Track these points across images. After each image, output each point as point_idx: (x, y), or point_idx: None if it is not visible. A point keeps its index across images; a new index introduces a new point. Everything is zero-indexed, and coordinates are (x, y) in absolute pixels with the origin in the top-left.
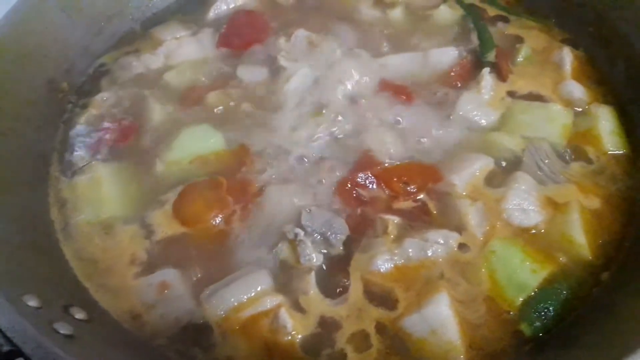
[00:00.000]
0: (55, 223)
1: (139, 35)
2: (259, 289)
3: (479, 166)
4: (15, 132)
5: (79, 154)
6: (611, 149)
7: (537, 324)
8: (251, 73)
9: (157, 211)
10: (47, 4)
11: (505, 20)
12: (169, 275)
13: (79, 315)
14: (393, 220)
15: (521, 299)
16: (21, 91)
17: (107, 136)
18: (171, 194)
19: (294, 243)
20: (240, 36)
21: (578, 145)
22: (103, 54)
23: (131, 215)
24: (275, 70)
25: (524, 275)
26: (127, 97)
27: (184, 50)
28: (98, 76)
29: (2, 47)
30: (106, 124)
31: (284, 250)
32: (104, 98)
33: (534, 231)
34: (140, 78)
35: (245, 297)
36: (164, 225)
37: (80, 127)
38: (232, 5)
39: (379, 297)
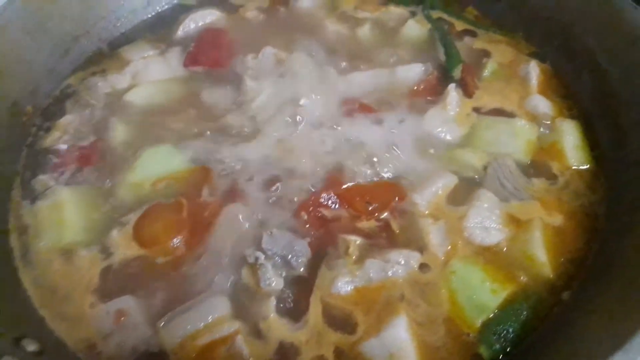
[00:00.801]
0: (15, 250)
1: (107, 55)
2: (216, 315)
3: (442, 184)
4: None
5: (42, 178)
6: (575, 164)
7: (496, 346)
8: (216, 94)
9: (118, 233)
10: (11, 26)
11: (473, 34)
12: (126, 302)
13: (31, 347)
14: (355, 240)
15: (481, 321)
16: None
17: (71, 159)
18: (133, 215)
19: (254, 267)
20: (207, 55)
21: (542, 160)
22: (69, 74)
23: (92, 239)
24: (240, 91)
25: (484, 295)
26: (91, 118)
27: (150, 70)
28: (64, 98)
29: None
30: (70, 147)
31: (244, 274)
32: (69, 121)
33: (495, 250)
34: (106, 99)
35: (202, 324)
36: (124, 247)
37: (43, 151)
38: (200, 24)
39: (339, 320)
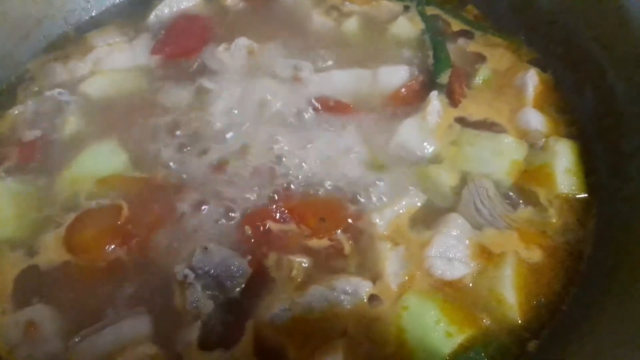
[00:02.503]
0: None
1: (72, 40)
2: (134, 337)
3: (406, 203)
4: None
5: None
6: (565, 190)
7: None
8: (176, 92)
9: (49, 235)
10: None
11: (469, 36)
12: (39, 313)
13: None
14: (300, 262)
15: None
16: None
17: (14, 152)
18: (68, 216)
19: (183, 286)
20: (177, 43)
21: (527, 184)
22: (30, 59)
23: (22, 239)
24: (201, 90)
25: (436, 338)
26: (42, 108)
27: (114, 58)
28: (19, 84)
29: None
30: (15, 139)
31: (171, 293)
32: (18, 109)
33: (458, 285)
34: (61, 86)
35: (116, 346)
36: (51, 251)
37: None
38: (175, 9)
39: (269, 353)
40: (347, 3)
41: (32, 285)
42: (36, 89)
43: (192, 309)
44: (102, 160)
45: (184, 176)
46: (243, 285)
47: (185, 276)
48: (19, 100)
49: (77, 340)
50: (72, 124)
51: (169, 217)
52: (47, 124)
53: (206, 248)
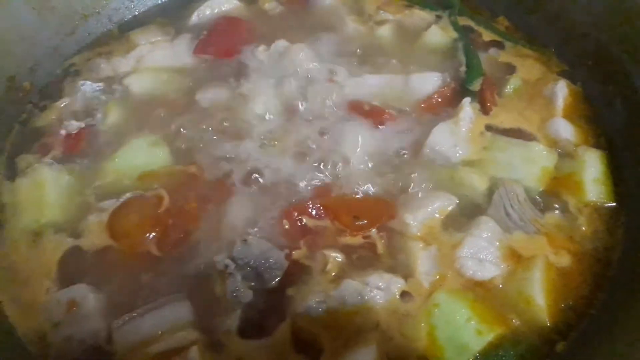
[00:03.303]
0: None
1: (115, 37)
2: (176, 322)
3: (439, 206)
4: None
5: (27, 156)
6: (594, 199)
7: None
8: (216, 89)
9: (93, 220)
10: (14, 1)
11: (500, 46)
12: (80, 292)
13: None
14: (335, 257)
15: None
16: None
17: (60, 142)
18: (111, 202)
19: (223, 275)
20: (219, 43)
21: (557, 192)
22: (74, 54)
23: (66, 223)
24: (241, 88)
25: (467, 335)
26: (88, 101)
27: (156, 56)
28: (65, 77)
29: None
30: (61, 130)
31: (212, 282)
32: (65, 103)
33: (488, 286)
34: (106, 82)
35: (159, 330)
36: (95, 236)
37: (34, 130)
38: (216, 11)
39: (304, 343)
40: (381, 11)
41: (75, 267)
42: (81, 82)
43: (232, 298)
44: (143, 154)
45: (223, 170)
46: (280, 277)
47: (226, 266)
48: (64, 93)
49: (120, 322)
50: (114, 117)
51: (209, 209)
52: (90, 116)
53: (246, 240)
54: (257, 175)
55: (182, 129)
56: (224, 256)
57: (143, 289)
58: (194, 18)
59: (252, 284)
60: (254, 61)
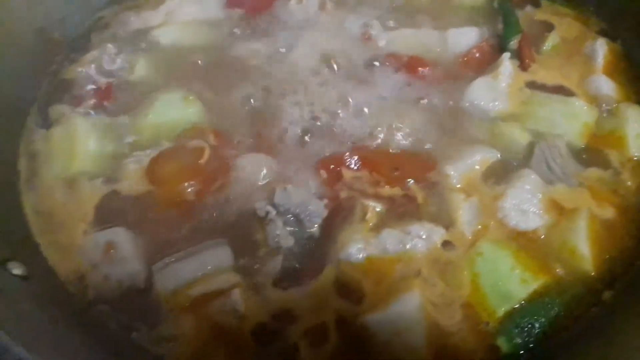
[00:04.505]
0: (22, 173)
1: None
2: (217, 265)
3: (480, 158)
4: None
5: (59, 107)
6: (637, 154)
7: (518, 340)
8: (247, 43)
9: (132, 166)
10: None
11: (536, 4)
12: (118, 235)
13: (17, 271)
14: (374, 207)
15: (503, 310)
16: (7, 37)
17: (91, 93)
18: (149, 152)
19: (264, 222)
20: None
21: (598, 147)
22: (103, 7)
23: (100, 172)
24: (274, 43)
25: (511, 283)
26: (119, 54)
27: (186, 9)
28: (94, 30)
29: None
30: (94, 79)
31: (253, 228)
32: (95, 56)
33: (531, 236)
34: (136, 35)
35: (200, 273)
36: (134, 181)
37: (65, 82)
38: None
39: (346, 288)
40: None
41: (112, 211)
42: (110, 35)
43: (274, 244)
44: (176, 110)
45: (259, 125)
46: (319, 224)
47: (267, 212)
48: (93, 46)
49: (161, 265)
50: (143, 70)
51: (249, 160)
52: (120, 69)
53: (286, 188)
54: (295, 129)
55: (215, 84)
56: (264, 203)
57: (182, 234)
58: None
59: (293, 229)
60: (287, 14)
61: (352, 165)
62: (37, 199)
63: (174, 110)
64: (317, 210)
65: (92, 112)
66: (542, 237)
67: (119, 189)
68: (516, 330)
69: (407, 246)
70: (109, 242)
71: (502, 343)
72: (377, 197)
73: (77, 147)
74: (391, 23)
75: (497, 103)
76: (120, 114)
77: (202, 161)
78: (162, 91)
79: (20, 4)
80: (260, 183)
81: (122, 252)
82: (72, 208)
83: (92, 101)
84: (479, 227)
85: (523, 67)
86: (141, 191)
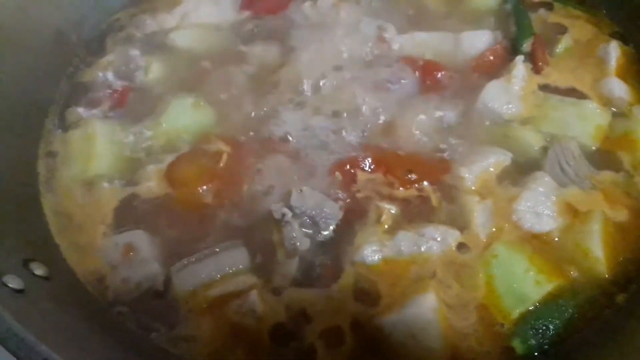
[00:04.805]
0: (40, 175)
1: None
2: (235, 267)
3: (494, 161)
4: (15, 80)
5: (77, 109)
6: None
7: (532, 341)
8: (262, 47)
9: (150, 168)
10: None
11: (549, 7)
12: (137, 237)
13: (39, 271)
14: (389, 209)
15: (518, 312)
16: (25, 39)
17: (107, 96)
18: (167, 155)
19: (280, 224)
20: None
21: (611, 149)
22: (119, 9)
23: (117, 175)
24: (288, 45)
25: (526, 285)
26: (135, 57)
27: (201, 12)
28: (110, 32)
29: None
30: (109, 83)
31: (269, 230)
32: (110, 58)
33: (545, 238)
34: (151, 38)
35: (218, 274)
36: (153, 183)
37: (82, 84)
38: None
39: (361, 290)
40: None
41: (130, 214)
42: (126, 37)
43: (290, 245)
44: (188, 115)
45: (273, 129)
46: (335, 226)
47: (283, 214)
48: (109, 49)
49: (179, 266)
50: (159, 73)
51: (265, 164)
52: (136, 72)
53: (301, 190)
54: (308, 132)
55: (229, 87)
56: (280, 205)
57: (200, 236)
58: None
59: (309, 232)
60: (301, 17)
61: (367, 168)
62: (56, 200)
63: (186, 116)
64: (332, 212)
65: (108, 115)
66: (556, 239)
67: (137, 192)
68: (531, 332)
69: (422, 248)
70: (128, 244)
71: (517, 344)
72: (392, 199)
73: (94, 150)
74: (405, 26)
75: (510, 106)
76: (136, 118)
77: (220, 165)
78: (175, 96)
79: (39, 7)
80: (276, 185)
81: (141, 254)
82: (91, 210)
83: (108, 104)
84: (494, 229)
85: (536, 69)
86: (159, 194)
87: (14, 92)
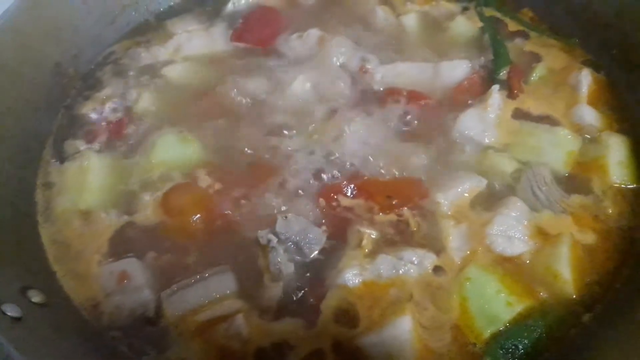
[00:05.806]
0: (38, 205)
1: (153, 27)
2: (221, 292)
3: (469, 186)
4: (14, 112)
5: (73, 142)
6: (617, 181)
7: None
8: (251, 79)
9: (145, 200)
10: None
11: (525, 36)
12: (131, 265)
13: (36, 298)
14: (370, 233)
15: (489, 332)
16: (25, 72)
17: (103, 130)
18: (160, 186)
19: (266, 249)
20: (255, 32)
21: (582, 174)
22: (114, 42)
23: (113, 205)
24: (276, 77)
25: (497, 306)
26: (130, 89)
27: (193, 44)
28: (106, 65)
29: (14, 27)
30: (104, 119)
31: (255, 255)
32: (107, 94)
33: (517, 261)
34: (146, 70)
35: (206, 300)
36: (147, 213)
37: (79, 117)
38: (251, 0)
39: (342, 312)
40: (408, 3)
41: (126, 241)
42: (122, 70)
43: (275, 270)
44: (175, 150)
45: (261, 158)
46: (318, 252)
47: (269, 240)
48: (105, 83)
49: (169, 292)
50: (153, 107)
51: (252, 192)
52: (131, 106)
53: (286, 217)
54: (293, 162)
55: (219, 119)
56: (266, 232)
57: (190, 262)
58: (230, 7)
59: (293, 257)
60: (287, 49)
61: (349, 194)
62: (53, 229)
63: (174, 150)
64: (316, 238)
65: (104, 148)
66: (527, 262)
67: (133, 220)
68: (501, 352)
69: (400, 271)
70: (123, 272)
71: None
72: (373, 224)
73: (88, 183)
74: (387, 57)
75: (486, 133)
76: (130, 151)
77: (210, 194)
78: (164, 130)
79: (39, 40)
80: (262, 212)
81: (134, 282)
82: (88, 239)
83: (105, 136)
84: (468, 252)
85: (512, 97)
86: (155, 221)
87: (14, 124)
